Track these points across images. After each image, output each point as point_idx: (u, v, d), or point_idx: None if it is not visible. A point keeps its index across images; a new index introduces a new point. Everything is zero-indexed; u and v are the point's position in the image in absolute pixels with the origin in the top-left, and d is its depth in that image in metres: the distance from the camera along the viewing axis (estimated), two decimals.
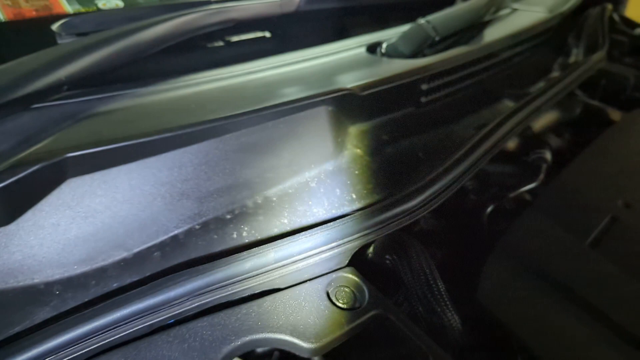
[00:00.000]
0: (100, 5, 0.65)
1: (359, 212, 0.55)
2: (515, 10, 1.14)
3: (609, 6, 1.42)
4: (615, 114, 0.99)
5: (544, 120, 0.90)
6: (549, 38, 1.13)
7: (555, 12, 1.10)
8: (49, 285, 0.46)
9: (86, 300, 0.45)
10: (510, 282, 0.57)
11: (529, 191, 0.72)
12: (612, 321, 0.52)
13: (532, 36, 1.05)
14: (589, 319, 0.52)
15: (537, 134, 0.86)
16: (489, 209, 0.67)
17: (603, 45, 1.10)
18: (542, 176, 0.72)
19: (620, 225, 0.64)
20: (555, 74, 1.03)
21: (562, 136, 0.90)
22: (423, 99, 0.77)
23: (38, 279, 0.46)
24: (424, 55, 0.84)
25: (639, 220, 0.65)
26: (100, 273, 0.47)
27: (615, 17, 1.51)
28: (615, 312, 0.53)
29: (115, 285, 0.47)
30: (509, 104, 0.88)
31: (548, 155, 0.76)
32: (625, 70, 1.21)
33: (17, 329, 0.41)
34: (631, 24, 1.52)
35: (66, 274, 0.47)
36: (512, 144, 0.84)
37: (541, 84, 0.95)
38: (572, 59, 1.10)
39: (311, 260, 0.49)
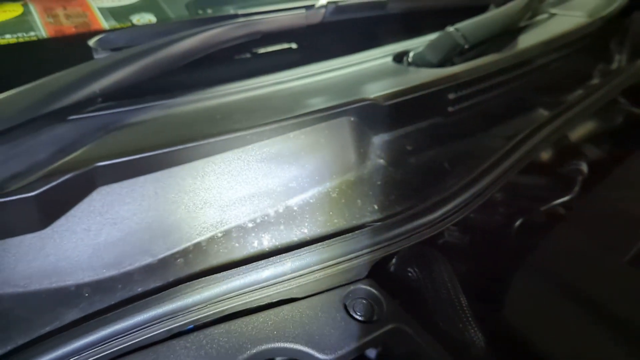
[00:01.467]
0: (135, 20, 0.68)
1: (380, 223, 0.54)
2: (553, 15, 1.10)
3: None
4: None
5: (582, 129, 0.86)
6: (590, 44, 1.08)
7: (596, 17, 1.05)
8: (79, 288, 0.48)
9: (112, 303, 0.47)
10: (541, 301, 0.54)
11: (563, 204, 0.69)
12: None
13: (570, 42, 1.00)
14: (627, 342, 0.49)
15: (573, 144, 0.82)
16: (518, 223, 0.64)
17: None
18: (577, 188, 0.69)
19: None
20: (595, 81, 0.98)
21: (601, 146, 0.85)
22: (450, 109, 0.75)
23: (70, 281, 0.48)
24: (453, 64, 0.83)
25: None
26: (127, 277, 0.49)
27: None
28: None
29: (139, 289, 0.49)
30: (543, 112, 0.84)
31: (584, 167, 0.72)
32: None
33: (48, 329, 0.44)
34: None
35: (95, 277, 0.49)
36: (545, 155, 0.80)
37: (579, 92, 0.91)
38: (614, 65, 1.04)
39: (329, 271, 0.49)
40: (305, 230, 0.56)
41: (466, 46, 0.81)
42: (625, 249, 0.59)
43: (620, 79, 0.90)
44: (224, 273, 0.46)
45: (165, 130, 0.56)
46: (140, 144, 0.52)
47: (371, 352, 0.52)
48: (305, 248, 0.50)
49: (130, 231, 0.50)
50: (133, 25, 0.67)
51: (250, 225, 0.55)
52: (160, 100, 0.61)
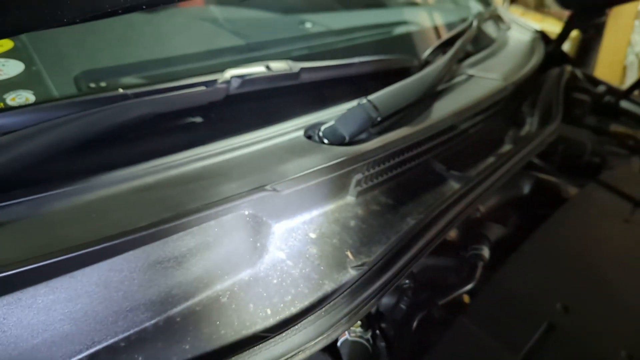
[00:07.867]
0: (9, 100, 0.61)
1: (267, 338, 0.50)
2: (470, 77, 1.13)
3: (568, 67, 1.43)
4: (568, 190, 0.97)
5: (490, 202, 0.87)
6: (503, 108, 1.12)
7: (509, 81, 1.10)
8: None
9: None
10: None
11: (466, 292, 0.68)
12: None
13: (485, 108, 1.03)
14: None
15: (479, 219, 0.83)
16: (416, 320, 0.63)
17: (557, 116, 1.09)
18: (477, 275, 0.69)
19: (557, 333, 0.60)
20: (506, 147, 1.01)
21: (508, 221, 0.87)
22: (358, 188, 0.73)
23: None
24: (370, 134, 0.82)
25: (578, 326, 0.62)
26: None
27: (579, 74, 1.52)
28: None
29: None
30: (454, 185, 0.85)
31: (486, 252, 0.72)
32: (583, 134, 1.21)
33: None
34: (594, 81, 1.53)
35: None
36: (452, 234, 0.81)
37: (491, 161, 0.93)
38: (525, 129, 1.08)
39: None
40: (187, 347, 0.51)
41: (379, 118, 0.80)
42: (520, 345, 0.58)
43: (528, 149, 0.92)
44: None
45: (23, 238, 0.50)
46: None
47: None
48: None
49: None
50: (5, 107, 0.61)
51: (122, 344, 0.50)
52: (27, 196, 0.55)
